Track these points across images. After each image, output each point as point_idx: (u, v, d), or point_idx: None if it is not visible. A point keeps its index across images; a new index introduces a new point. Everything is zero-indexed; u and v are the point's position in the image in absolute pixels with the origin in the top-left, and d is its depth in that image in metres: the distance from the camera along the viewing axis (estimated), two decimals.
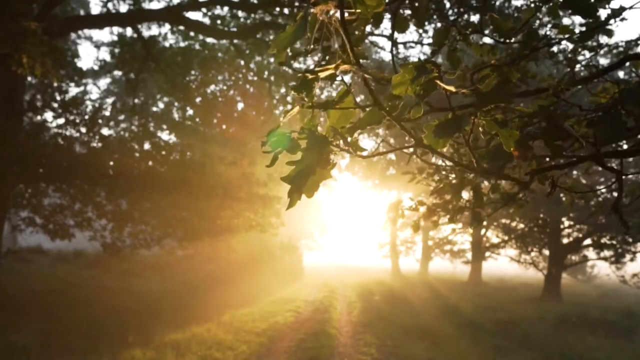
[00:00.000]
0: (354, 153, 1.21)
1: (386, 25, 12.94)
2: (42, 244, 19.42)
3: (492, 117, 1.09)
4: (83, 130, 12.71)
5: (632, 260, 19.27)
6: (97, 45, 22.28)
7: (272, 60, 18.44)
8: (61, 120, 13.12)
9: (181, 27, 14.45)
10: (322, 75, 1.10)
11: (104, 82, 32.39)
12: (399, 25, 1.84)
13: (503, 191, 3.80)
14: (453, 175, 3.78)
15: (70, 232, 11.59)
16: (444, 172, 2.78)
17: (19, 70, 5.16)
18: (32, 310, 9.76)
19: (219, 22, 14.70)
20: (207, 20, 14.37)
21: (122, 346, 8.19)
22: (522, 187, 1.29)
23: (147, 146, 13.94)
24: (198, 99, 17.89)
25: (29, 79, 15.24)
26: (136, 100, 15.78)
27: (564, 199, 21.15)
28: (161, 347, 8.34)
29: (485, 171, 1.22)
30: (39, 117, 13.81)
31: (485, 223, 28.32)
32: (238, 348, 8.97)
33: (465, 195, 3.86)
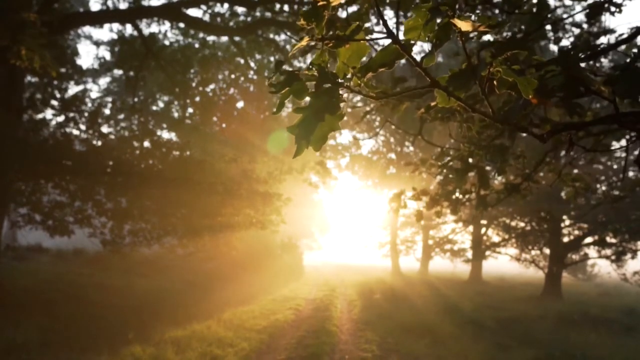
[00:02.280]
0: (366, 94, 1.15)
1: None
2: (41, 242, 19.37)
3: (509, 66, 1.04)
4: (83, 127, 12.68)
5: (633, 258, 19.23)
6: (97, 44, 22.25)
7: (272, 59, 18.41)
8: (61, 118, 13.10)
9: (181, 24, 14.41)
10: (333, 2, 1.04)
11: (103, 81, 32.39)
12: (404, 3, 1.79)
13: (507, 181, 3.77)
14: (452, 168, 3.73)
15: (69, 228, 11.54)
16: (448, 158, 2.73)
17: (17, 63, 5.12)
18: (31, 308, 9.70)
19: (218, 20, 14.67)
20: (207, 18, 14.34)
21: (122, 343, 8.15)
22: (540, 140, 1.25)
23: (146, 144, 13.90)
24: (197, 98, 17.85)
25: (29, 78, 15.20)
26: (136, 99, 15.75)
27: (564, 196, 21.09)
28: (161, 344, 8.30)
29: (504, 119, 1.17)
30: (39, 116, 13.76)
31: (485, 222, 28.31)
32: (238, 345, 8.93)
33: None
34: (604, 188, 18.55)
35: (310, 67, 1.05)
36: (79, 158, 11.47)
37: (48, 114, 12.97)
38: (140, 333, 8.85)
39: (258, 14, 13.93)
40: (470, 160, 2.76)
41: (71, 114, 12.67)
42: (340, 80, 1.06)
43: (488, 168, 3.67)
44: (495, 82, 1.09)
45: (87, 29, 27.35)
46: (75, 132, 12.71)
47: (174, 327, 9.65)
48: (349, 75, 1.09)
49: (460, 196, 2.99)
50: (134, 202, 12.82)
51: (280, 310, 13.88)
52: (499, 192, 3.63)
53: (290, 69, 1.07)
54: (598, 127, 3.44)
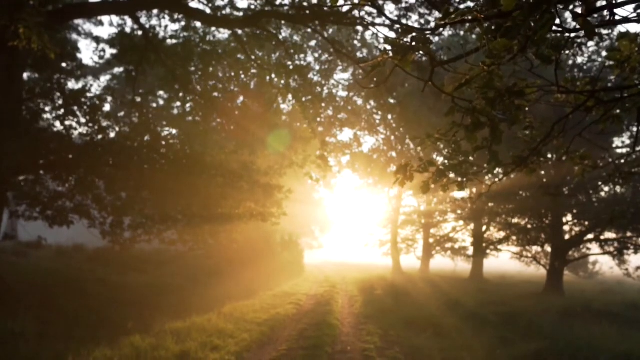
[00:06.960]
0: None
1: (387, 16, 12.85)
2: (41, 234, 19.28)
3: None
4: (83, 120, 12.61)
5: (635, 252, 19.12)
6: (98, 40, 22.18)
7: (273, 56, 18.32)
8: (60, 112, 13.00)
9: (181, 16, 14.32)
10: None
11: (104, 78, 32.35)
12: None
13: (514, 154, 3.68)
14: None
15: (69, 218, 11.45)
16: (458, 127, 2.65)
17: (15, 43, 5.04)
18: (31, 301, 9.63)
19: (219, 14, 14.59)
20: (207, 10, 14.26)
21: (122, 334, 8.09)
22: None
23: (147, 138, 13.82)
24: (197, 94, 17.75)
25: (29, 73, 15.09)
26: (137, 98, 15.66)
27: (566, 188, 21.05)
28: (161, 334, 8.23)
29: None
30: (39, 113, 13.68)
31: (486, 219, 28.20)
32: (239, 336, 8.86)
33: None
34: (603, 182, 18.43)
35: None
36: (79, 151, 11.39)
37: (47, 108, 12.90)
38: (140, 324, 8.79)
39: (259, 4, 13.83)
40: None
41: (71, 108, 12.60)
42: None
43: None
44: None
45: (87, 27, 27.29)
46: (75, 125, 12.63)
47: (173, 319, 9.57)
48: None
49: (470, 164, 2.91)
50: (134, 196, 12.74)
51: (281, 304, 13.81)
52: (507, 165, 3.56)
53: None
54: (610, 94, 3.35)
